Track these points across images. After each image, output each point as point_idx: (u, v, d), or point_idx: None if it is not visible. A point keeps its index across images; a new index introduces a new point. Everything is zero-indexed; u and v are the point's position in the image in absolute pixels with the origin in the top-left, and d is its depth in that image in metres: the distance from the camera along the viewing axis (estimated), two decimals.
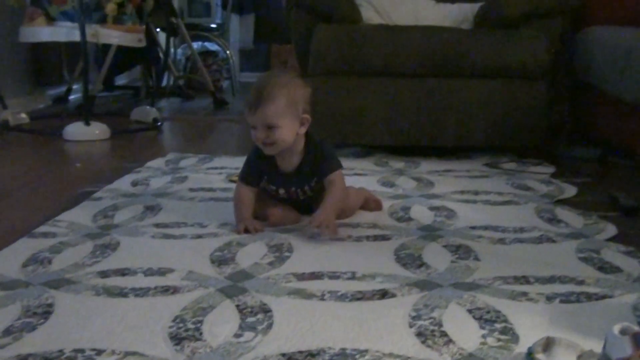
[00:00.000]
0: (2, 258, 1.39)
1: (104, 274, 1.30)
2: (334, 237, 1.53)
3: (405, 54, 2.50)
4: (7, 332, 1.04)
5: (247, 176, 1.65)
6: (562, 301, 1.20)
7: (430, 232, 1.61)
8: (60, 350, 0.98)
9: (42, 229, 1.59)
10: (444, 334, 1.05)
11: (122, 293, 1.21)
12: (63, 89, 4.29)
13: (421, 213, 1.78)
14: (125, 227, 1.62)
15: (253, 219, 1.61)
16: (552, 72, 2.64)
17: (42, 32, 3.14)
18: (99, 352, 0.98)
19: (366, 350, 1.00)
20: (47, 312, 1.12)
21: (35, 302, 1.16)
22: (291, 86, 1.55)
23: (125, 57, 4.27)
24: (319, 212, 1.56)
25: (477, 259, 1.42)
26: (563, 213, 1.80)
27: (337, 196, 1.60)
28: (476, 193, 2.01)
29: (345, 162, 2.42)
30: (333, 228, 1.54)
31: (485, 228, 1.65)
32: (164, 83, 4.86)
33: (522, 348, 1.00)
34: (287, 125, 1.54)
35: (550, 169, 2.39)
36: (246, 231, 1.57)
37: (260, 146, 1.58)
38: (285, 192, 1.67)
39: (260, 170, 1.64)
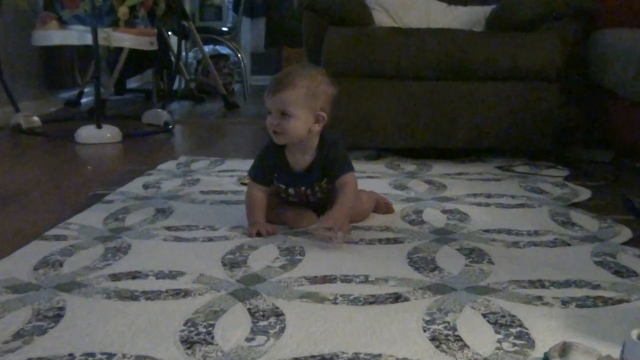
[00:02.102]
0: (14, 261, 1.38)
1: (115, 277, 1.29)
2: (345, 240, 1.50)
3: (417, 57, 2.49)
4: (18, 335, 1.03)
5: (257, 172, 1.62)
6: (578, 305, 1.18)
7: (443, 235, 1.59)
8: (71, 354, 0.97)
9: (54, 231, 1.59)
10: (458, 339, 1.04)
11: (133, 296, 1.20)
12: (75, 92, 4.31)
13: (434, 216, 1.76)
14: (136, 230, 1.61)
15: (266, 222, 1.59)
16: (565, 75, 2.61)
17: (55, 36, 3.14)
18: (110, 355, 0.97)
19: (379, 355, 0.98)
20: (58, 315, 1.11)
21: (46, 306, 1.15)
22: (316, 79, 1.52)
23: (137, 60, 4.28)
24: (330, 213, 1.53)
25: (491, 262, 1.40)
26: (577, 216, 1.78)
27: (350, 198, 1.56)
28: (489, 196, 2.00)
29: (357, 165, 2.41)
30: (345, 229, 1.51)
31: (499, 231, 1.63)
32: (176, 86, 4.88)
33: (538, 353, 0.99)
34: (302, 117, 1.51)
35: (564, 172, 2.37)
36: (258, 235, 1.55)
37: (270, 133, 1.55)
38: (295, 192, 1.63)
39: (270, 167, 1.61)
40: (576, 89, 2.78)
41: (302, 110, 1.50)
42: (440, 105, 2.52)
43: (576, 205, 1.91)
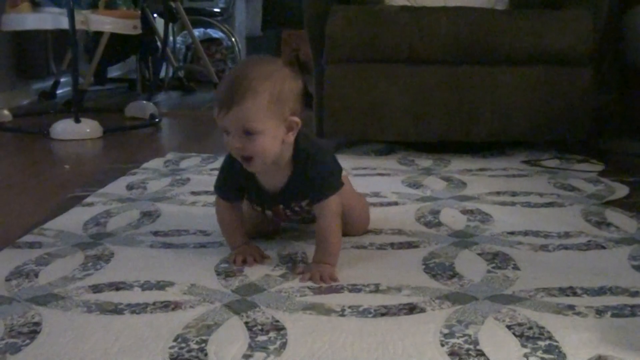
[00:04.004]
0: None
1: (96, 289, 1.30)
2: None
3: (432, 39, 2.49)
4: None
5: (224, 189, 1.47)
6: (614, 315, 1.18)
7: (463, 239, 1.60)
8: None
9: (27, 238, 1.60)
10: (480, 354, 1.04)
11: (116, 310, 1.20)
12: (49, 82, 4.33)
13: (452, 217, 1.77)
14: (119, 235, 1.62)
15: (252, 246, 1.47)
16: (599, 57, 2.61)
17: (27, 19, 3.16)
18: None
19: None
20: (33, 331, 1.12)
21: (20, 321, 1.16)
22: (276, 78, 1.31)
23: (119, 46, 4.29)
24: (309, 266, 1.39)
25: (516, 268, 1.41)
26: (614, 215, 1.78)
27: (331, 240, 1.39)
28: (514, 194, 2.00)
29: (366, 161, 2.45)
30: (330, 279, 1.34)
31: (525, 233, 1.64)
32: (162, 75, 4.89)
33: None
34: (270, 130, 1.31)
35: (598, 167, 2.37)
36: (244, 262, 1.42)
37: (238, 159, 1.37)
38: (274, 212, 1.51)
39: (238, 185, 1.46)
40: (611, 73, 2.78)
41: (270, 121, 1.30)
42: (458, 93, 2.52)
43: (612, 204, 1.91)
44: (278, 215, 1.53)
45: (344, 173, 1.51)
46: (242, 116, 1.28)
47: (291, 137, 1.36)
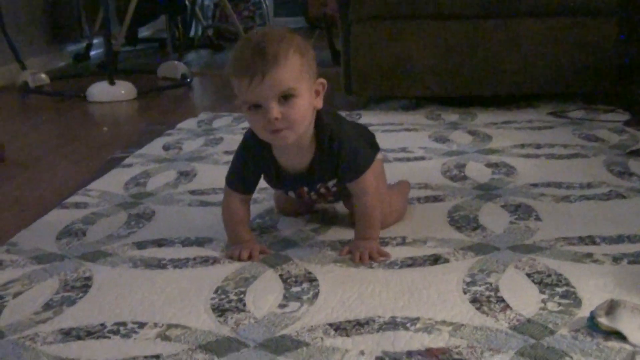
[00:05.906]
0: (36, 230, 1.49)
1: (140, 245, 1.38)
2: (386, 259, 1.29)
3: None
4: (48, 306, 1.13)
5: (237, 179, 1.35)
6: (630, 262, 1.23)
7: (487, 192, 1.65)
8: (102, 324, 1.07)
9: (74, 198, 1.68)
10: (500, 300, 1.10)
11: (160, 265, 1.29)
12: (82, 44, 4.39)
13: (477, 170, 1.81)
14: (159, 195, 1.70)
15: (254, 242, 1.35)
16: (625, 6, 2.60)
17: None
18: (141, 325, 1.06)
19: (417, 318, 1.05)
20: (85, 285, 1.21)
21: (72, 276, 1.25)
22: (298, 41, 1.23)
23: (149, 6, 4.33)
24: (354, 244, 1.32)
25: (538, 219, 1.45)
26: (637, 165, 1.81)
27: (373, 214, 1.32)
28: (538, 146, 2.03)
29: (393, 116, 2.49)
30: (380, 256, 1.29)
31: (548, 185, 1.68)
32: (192, 34, 4.93)
33: (584, 312, 1.04)
34: (306, 94, 1.22)
35: (624, 116, 2.38)
36: (249, 257, 1.30)
37: (267, 136, 1.24)
38: (297, 194, 1.40)
39: (256, 172, 1.36)
40: (637, 21, 2.76)
41: (304, 83, 1.21)
42: (484, 46, 2.54)
43: (636, 154, 1.92)
44: (301, 196, 1.41)
45: (379, 156, 1.43)
46: (280, 79, 1.17)
47: (320, 102, 1.26)
